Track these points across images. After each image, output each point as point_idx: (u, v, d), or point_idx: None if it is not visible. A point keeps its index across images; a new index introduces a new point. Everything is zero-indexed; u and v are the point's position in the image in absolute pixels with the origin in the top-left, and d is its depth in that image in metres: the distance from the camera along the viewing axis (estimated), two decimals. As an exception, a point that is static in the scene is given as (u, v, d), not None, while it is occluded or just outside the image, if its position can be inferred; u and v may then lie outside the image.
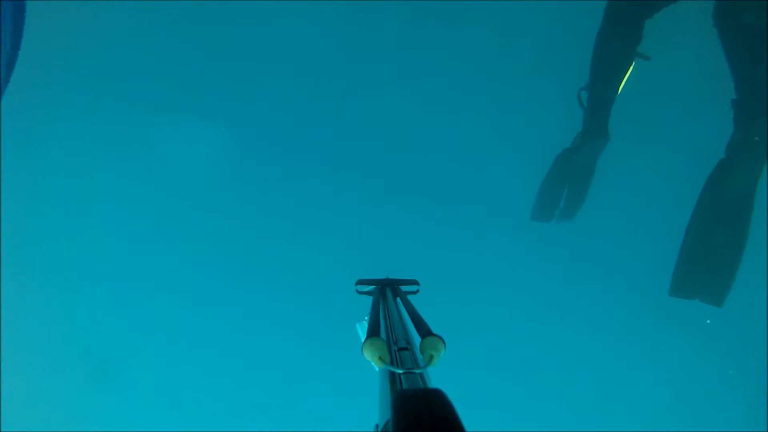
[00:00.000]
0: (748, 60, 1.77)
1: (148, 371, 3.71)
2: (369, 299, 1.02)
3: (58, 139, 3.27)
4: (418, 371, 0.55)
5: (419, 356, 0.62)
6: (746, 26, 1.61)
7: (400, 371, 0.55)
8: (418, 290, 1.12)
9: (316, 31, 3.32)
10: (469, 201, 3.42)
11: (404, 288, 1.10)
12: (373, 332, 0.64)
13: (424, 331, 0.67)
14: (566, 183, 2.51)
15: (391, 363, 0.59)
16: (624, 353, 3.45)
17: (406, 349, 0.65)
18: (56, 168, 3.36)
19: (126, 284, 3.60)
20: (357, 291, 1.14)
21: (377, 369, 0.59)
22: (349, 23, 3.26)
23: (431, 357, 0.59)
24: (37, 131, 3.20)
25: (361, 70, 3.32)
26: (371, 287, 1.13)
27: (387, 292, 1.04)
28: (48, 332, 3.61)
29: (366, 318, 0.89)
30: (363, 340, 0.62)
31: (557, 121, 2.58)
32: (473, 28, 3.21)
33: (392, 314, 0.85)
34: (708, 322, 2.12)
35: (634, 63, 2.05)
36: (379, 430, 0.48)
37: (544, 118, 3.13)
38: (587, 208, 2.58)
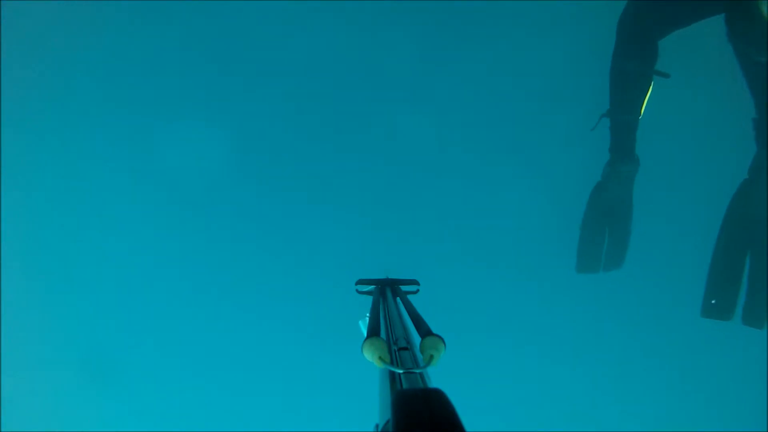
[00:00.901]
0: (766, 77, 1.77)
1: (149, 371, 3.71)
2: (369, 299, 1.02)
3: (57, 139, 3.27)
4: (418, 371, 0.56)
5: (419, 356, 0.62)
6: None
7: (400, 371, 0.56)
8: (418, 290, 1.13)
9: (317, 32, 3.32)
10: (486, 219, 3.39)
11: (404, 288, 1.10)
12: (373, 332, 0.65)
13: (424, 331, 0.67)
14: (606, 224, 2.37)
15: (391, 363, 0.59)
16: (623, 353, 3.45)
17: (406, 348, 0.65)
18: (56, 168, 3.36)
19: (126, 284, 3.60)
20: (357, 291, 1.15)
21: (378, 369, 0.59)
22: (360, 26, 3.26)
23: (431, 357, 0.60)
24: (36, 131, 3.20)
25: (377, 73, 3.32)
26: (371, 287, 1.14)
27: (387, 292, 1.04)
28: (48, 332, 3.60)
29: (368, 315, 0.90)
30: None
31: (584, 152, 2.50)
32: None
33: (392, 314, 0.85)
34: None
35: (653, 83, 1.99)
36: (379, 429, 0.48)
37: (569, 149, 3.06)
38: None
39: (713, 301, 2.00)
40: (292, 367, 3.69)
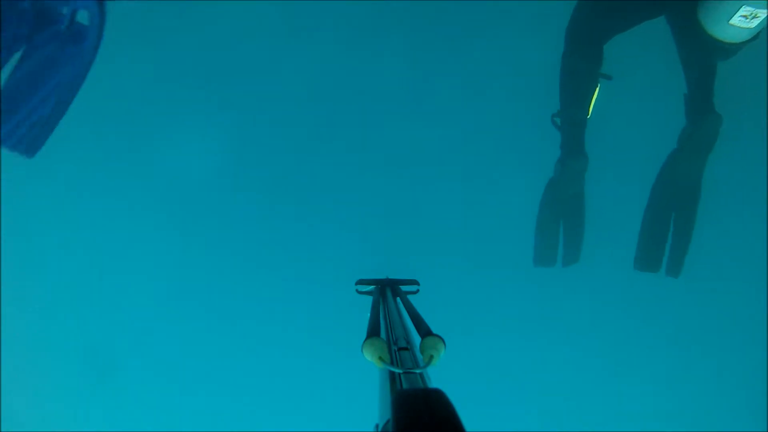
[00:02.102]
0: (699, 57, 1.97)
1: (149, 371, 3.71)
2: (369, 299, 1.02)
3: (56, 140, 3.26)
4: (418, 371, 0.56)
5: (419, 356, 0.62)
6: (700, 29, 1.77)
7: (400, 371, 0.56)
8: (418, 290, 1.13)
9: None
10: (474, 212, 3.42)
11: (404, 288, 1.11)
12: (373, 332, 0.65)
13: (424, 331, 0.67)
14: (560, 219, 2.50)
15: (391, 363, 0.59)
16: (622, 352, 3.45)
17: (406, 349, 0.65)
18: (55, 168, 3.36)
19: (126, 284, 3.60)
20: (357, 291, 1.15)
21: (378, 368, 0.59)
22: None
23: (431, 357, 0.60)
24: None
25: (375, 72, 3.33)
26: (371, 287, 1.14)
27: (387, 292, 1.04)
28: (49, 332, 3.60)
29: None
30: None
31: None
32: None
33: (392, 314, 0.86)
34: None
35: (599, 85, 2.12)
36: (379, 430, 0.48)
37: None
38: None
39: (644, 256, 2.30)
40: (292, 367, 3.69)
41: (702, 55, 1.93)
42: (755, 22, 1.66)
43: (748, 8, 1.62)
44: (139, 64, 3.29)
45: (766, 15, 1.63)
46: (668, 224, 2.24)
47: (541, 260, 2.63)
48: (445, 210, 3.49)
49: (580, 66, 2.11)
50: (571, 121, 2.20)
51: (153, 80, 3.34)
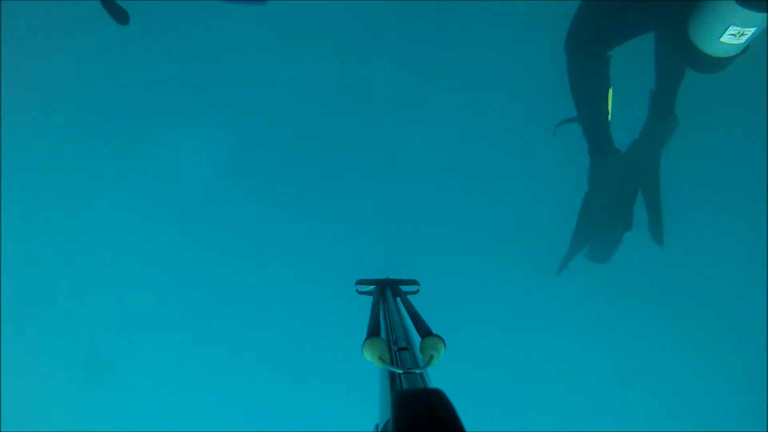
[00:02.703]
0: (679, 67, 2.15)
1: (149, 371, 3.71)
2: (369, 299, 1.02)
3: (55, 140, 3.27)
4: (418, 371, 0.56)
5: (419, 356, 0.62)
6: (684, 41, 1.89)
7: (400, 371, 0.56)
8: (418, 290, 1.13)
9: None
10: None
11: (404, 288, 1.10)
12: (373, 332, 0.65)
13: (424, 331, 0.67)
14: (596, 234, 2.62)
15: (391, 363, 0.59)
16: (622, 352, 3.45)
17: (406, 349, 0.65)
18: (54, 168, 3.36)
19: (127, 284, 3.60)
20: (357, 291, 1.15)
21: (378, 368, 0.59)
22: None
23: (431, 357, 0.60)
24: (32, 131, 3.21)
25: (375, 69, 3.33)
26: (371, 287, 1.14)
27: (387, 292, 1.04)
28: (49, 332, 3.60)
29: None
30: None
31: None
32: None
33: (392, 314, 0.85)
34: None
35: (611, 85, 2.17)
36: (379, 430, 0.48)
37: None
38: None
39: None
40: (292, 366, 3.69)
41: (683, 66, 2.12)
42: (743, 39, 1.75)
43: (736, 27, 1.70)
44: (141, 63, 3.30)
45: (753, 31, 1.71)
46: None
47: (564, 268, 2.75)
48: (445, 210, 3.49)
49: (589, 76, 2.17)
50: (593, 124, 2.26)
51: (154, 80, 3.35)
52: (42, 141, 3.28)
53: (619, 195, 2.46)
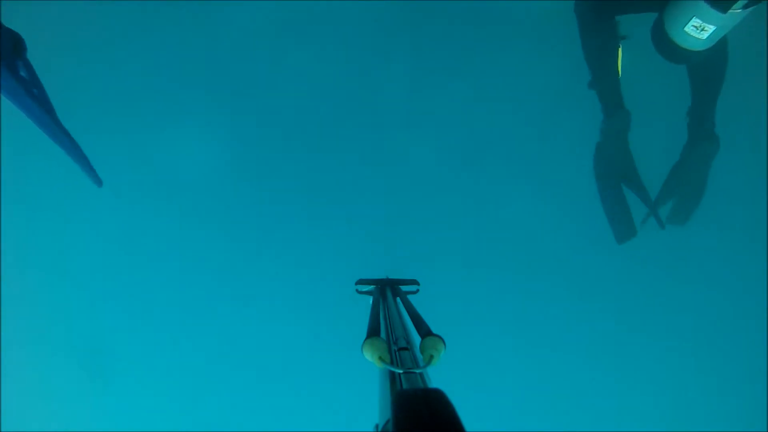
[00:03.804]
0: (705, 81, 2.19)
1: (149, 370, 3.71)
2: (369, 299, 1.02)
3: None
4: (418, 371, 0.56)
5: (419, 356, 0.62)
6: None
7: (400, 371, 0.56)
8: (418, 290, 1.13)
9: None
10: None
11: (404, 288, 1.10)
12: (373, 332, 0.65)
13: (424, 331, 0.67)
14: (620, 182, 2.55)
15: (391, 363, 0.59)
16: (621, 352, 3.45)
17: (406, 349, 0.65)
18: (55, 168, 3.37)
19: (127, 284, 3.60)
20: (357, 291, 1.15)
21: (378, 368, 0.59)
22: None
23: (431, 357, 0.60)
24: (33, 131, 3.20)
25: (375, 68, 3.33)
26: (371, 287, 1.14)
27: (387, 292, 1.04)
28: (49, 332, 3.61)
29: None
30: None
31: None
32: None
33: (392, 314, 0.86)
34: None
35: (621, 46, 2.23)
36: (379, 430, 0.48)
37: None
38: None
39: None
40: (292, 367, 3.69)
41: (718, 80, 2.14)
42: (704, 35, 1.80)
43: (698, 20, 1.77)
44: (144, 64, 3.30)
45: (713, 30, 1.77)
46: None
47: (621, 235, 2.65)
48: (446, 210, 3.49)
49: (597, 33, 2.23)
50: (604, 85, 2.31)
51: (154, 80, 3.35)
52: (42, 140, 3.27)
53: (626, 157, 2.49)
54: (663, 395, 3.45)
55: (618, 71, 2.25)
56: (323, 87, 3.42)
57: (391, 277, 1.17)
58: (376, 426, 0.49)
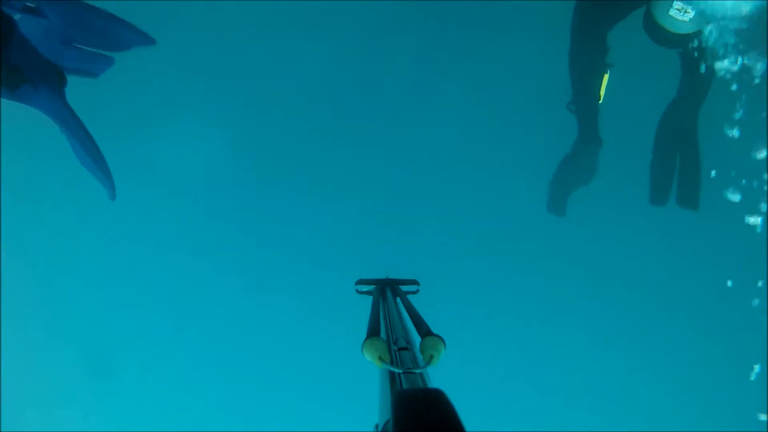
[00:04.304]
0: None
1: (149, 370, 3.71)
2: (369, 299, 1.02)
3: (54, 140, 3.26)
4: (417, 371, 0.56)
5: (419, 356, 0.62)
6: None
7: (400, 371, 0.56)
8: (417, 290, 1.13)
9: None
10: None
11: (404, 288, 1.10)
12: (373, 332, 0.65)
13: (424, 331, 0.67)
14: (571, 191, 2.67)
15: (391, 363, 0.59)
16: (621, 353, 3.45)
17: (406, 349, 0.65)
18: (55, 167, 3.36)
19: (127, 283, 3.60)
20: (357, 291, 1.14)
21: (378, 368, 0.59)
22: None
23: (431, 357, 0.60)
24: (33, 131, 3.21)
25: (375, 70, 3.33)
26: (371, 287, 1.14)
27: (387, 292, 1.04)
28: (49, 332, 3.60)
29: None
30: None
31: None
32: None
33: (392, 314, 0.85)
34: None
35: (608, 72, 2.31)
36: (379, 429, 0.48)
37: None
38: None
39: (657, 192, 2.54)
40: (292, 367, 3.69)
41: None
42: (687, 17, 1.93)
43: (680, 3, 1.91)
44: (148, 64, 3.29)
45: (693, 14, 1.90)
46: (674, 164, 2.50)
47: (554, 209, 2.76)
48: (446, 210, 3.49)
49: (587, 58, 2.30)
50: (585, 109, 2.39)
51: (155, 80, 3.35)
52: (42, 141, 3.28)
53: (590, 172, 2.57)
54: (663, 395, 3.45)
55: (600, 96, 2.33)
56: (323, 87, 3.42)
57: (391, 277, 1.17)
58: (376, 426, 0.49)
